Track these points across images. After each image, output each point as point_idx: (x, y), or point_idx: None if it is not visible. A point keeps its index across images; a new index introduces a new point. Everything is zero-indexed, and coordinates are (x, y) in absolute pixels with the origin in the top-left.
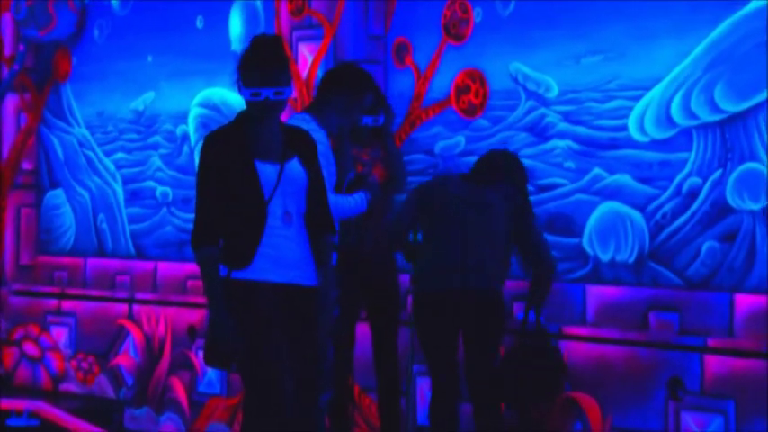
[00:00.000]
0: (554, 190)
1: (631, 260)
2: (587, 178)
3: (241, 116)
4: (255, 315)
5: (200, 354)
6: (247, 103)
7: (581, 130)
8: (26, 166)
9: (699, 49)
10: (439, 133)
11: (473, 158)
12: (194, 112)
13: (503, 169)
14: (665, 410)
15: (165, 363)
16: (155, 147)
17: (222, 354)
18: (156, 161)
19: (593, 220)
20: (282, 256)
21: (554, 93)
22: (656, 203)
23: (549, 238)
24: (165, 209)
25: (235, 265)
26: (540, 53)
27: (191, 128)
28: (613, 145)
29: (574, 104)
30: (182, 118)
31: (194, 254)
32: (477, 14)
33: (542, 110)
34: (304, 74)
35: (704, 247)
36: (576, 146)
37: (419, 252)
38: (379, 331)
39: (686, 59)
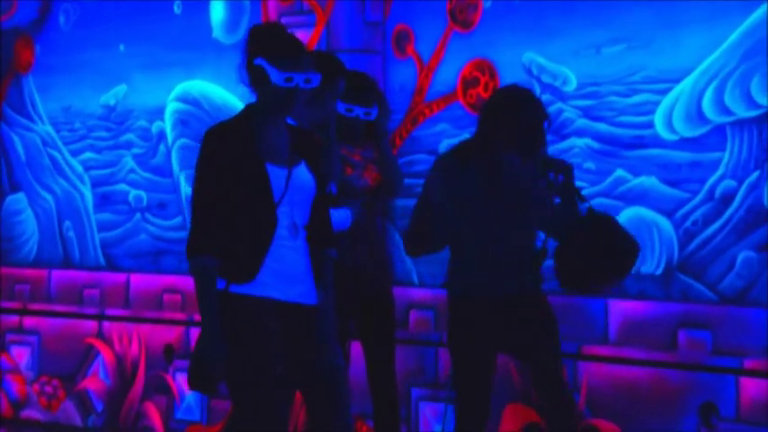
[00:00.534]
0: None
1: (658, 272)
2: (609, 180)
3: (248, 110)
4: (259, 335)
5: (178, 376)
6: (268, 91)
7: (602, 127)
8: None
9: (733, 36)
10: (444, 131)
11: None
12: (171, 108)
13: None
14: None
15: (138, 386)
16: (127, 146)
17: (210, 377)
18: (129, 162)
19: None
20: (288, 270)
21: (572, 86)
22: (685, 209)
23: None
24: (138, 215)
25: (236, 279)
26: (556, 42)
27: (167, 125)
28: (638, 144)
29: (594, 99)
30: (157, 113)
31: (189, 262)
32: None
33: (559, 104)
34: None
35: (739, 258)
36: (596, 145)
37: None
38: (374, 352)
39: (719, 48)
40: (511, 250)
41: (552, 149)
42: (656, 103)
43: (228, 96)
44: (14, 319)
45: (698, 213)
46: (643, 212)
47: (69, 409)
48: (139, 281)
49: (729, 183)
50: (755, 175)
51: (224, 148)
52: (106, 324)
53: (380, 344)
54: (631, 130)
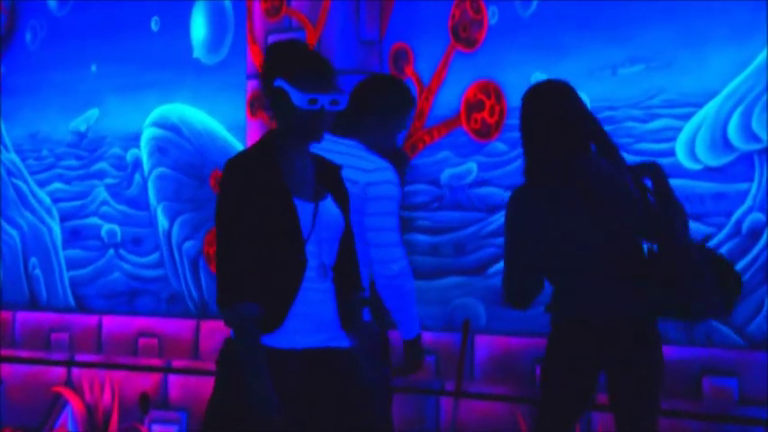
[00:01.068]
0: None
1: None
2: None
3: (270, 137)
4: (282, 394)
5: (154, 428)
6: (291, 115)
7: None
8: None
9: (761, 56)
10: (446, 159)
11: (488, 189)
12: (148, 134)
13: None
14: None
15: None
16: (99, 175)
17: None
18: (102, 193)
19: None
20: (316, 315)
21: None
22: (709, 245)
23: None
24: (111, 251)
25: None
26: (568, 62)
27: (143, 152)
28: None
29: (610, 124)
30: (133, 140)
31: (222, 314)
32: (491, 15)
33: None
34: None
35: None
36: None
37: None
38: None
39: (746, 69)
40: (606, 266)
41: None
42: (678, 129)
43: (210, 121)
44: None
45: (723, 250)
46: None
47: None
48: (112, 323)
49: (757, 216)
50: None
51: (246, 181)
52: (76, 371)
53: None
54: (651, 158)
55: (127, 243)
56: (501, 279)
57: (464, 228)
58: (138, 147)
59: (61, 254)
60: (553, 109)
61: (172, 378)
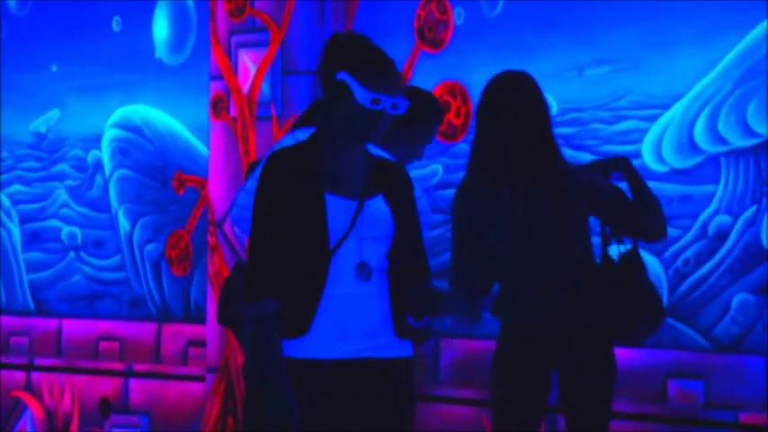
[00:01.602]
0: None
1: None
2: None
3: (317, 134)
4: (311, 411)
5: None
6: (348, 112)
7: (585, 156)
8: None
9: (728, 58)
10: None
11: (454, 191)
12: (110, 135)
13: None
14: None
15: None
16: (60, 177)
17: None
18: (62, 195)
19: None
20: (353, 321)
21: (552, 111)
22: (676, 247)
23: None
24: (72, 254)
25: (285, 333)
26: (534, 63)
27: (105, 154)
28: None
29: (576, 126)
30: (94, 142)
31: (246, 310)
32: (458, 16)
33: None
34: (245, 88)
35: (735, 301)
36: None
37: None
38: None
39: (713, 71)
40: (557, 268)
41: None
42: (644, 131)
43: (172, 123)
44: None
45: (689, 252)
46: None
47: None
48: (73, 327)
49: (724, 218)
50: (752, 210)
51: (281, 176)
52: (35, 375)
53: None
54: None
55: (88, 246)
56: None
57: (429, 230)
58: (99, 148)
59: (21, 257)
60: (523, 92)
61: (133, 382)
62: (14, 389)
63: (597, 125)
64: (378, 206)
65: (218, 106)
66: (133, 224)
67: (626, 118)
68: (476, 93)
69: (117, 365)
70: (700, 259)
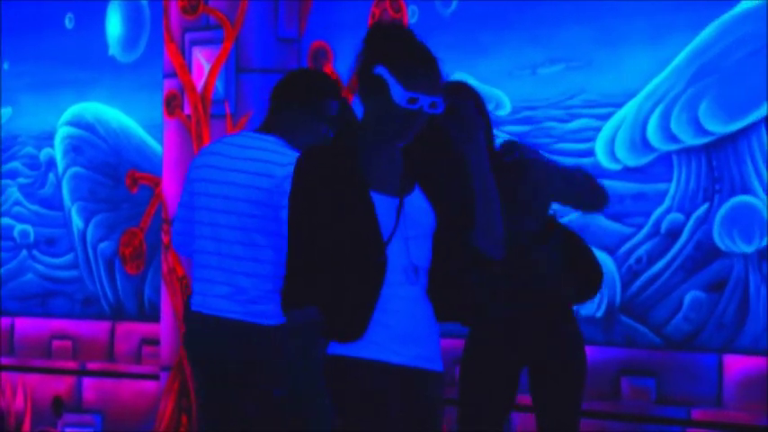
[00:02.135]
0: None
1: (599, 314)
2: None
3: (352, 130)
4: (368, 409)
5: (68, 431)
6: (384, 109)
7: None
8: None
9: (681, 57)
10: None
11: None
12: (62, 132)
13: None
14: None
15: None
16: (12, 175)
17: None
18: (14, 193)
19: None
20: (404, 325)
21: (506, 110)
22: (629, 245)
23: None
24: (24, 252)
25: (339, 337)
26: (488, 61)
27: (58, 152)
28: None
29: (529, 124)
30: (46, 139)
31: (285, 316)
32: (412, 14)
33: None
34: (199, 85)
35: (687, 299)
36: None
37: None
38: None
39: (665, 70)
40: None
41: None
42: (597, 129)
43: (126, 120)
44: None
45: (642, 250)
46: None
47: None
48: (25, 325)
49: (676, 216)
50: (704, 207)
51: (321, 174)
52: None
53: None
54: (570, 159)
55: (40, 244)
56: None
57: None
58: (52, 146)
59: None
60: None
61: (86, 381)
62: None
63: (550, 123)
64: (417, 202)
65: (172, 104)
66: (86, 222)
67: (579, 116)
68: None
69: (70, 364)
70: (652, 257)
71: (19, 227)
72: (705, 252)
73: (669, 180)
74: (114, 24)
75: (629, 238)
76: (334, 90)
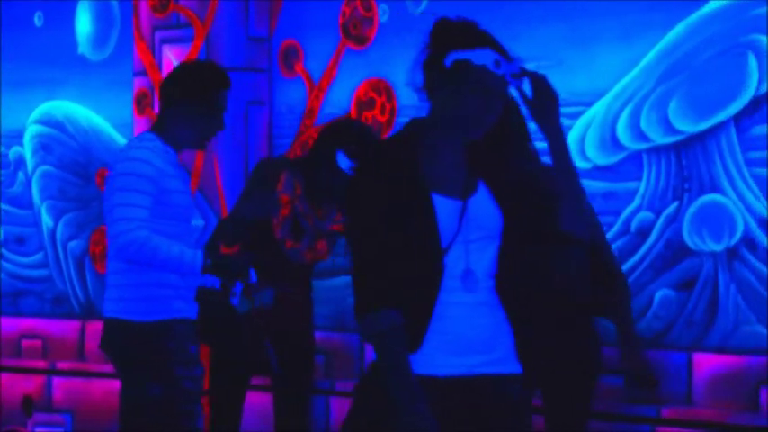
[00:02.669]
0: None
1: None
2: None
3: (417, 124)
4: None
5: (38, 431)
6: (460, 95)
7: None
8: None
9: (650, 56)
10: None
11: None
12: (32, 131)
13: None
14: None
15: None
16: None
17: None
18: None
19: None
20: (461, 334)
21: None
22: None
23: None
24: None
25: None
26: None
27: (27, 150)
28: None
29: None
30: (16, 138)
31: (360, 325)
32: (382, 13)
33: None
34: None
35: (657, 297)
36: None
37: None
38: (287, 403)
39: (635, 69)
40: None
41: None
42: (567, 128)
43: (96, 119)
44: None
45: (613, 248)
46: None
47: None
48: None
49: (646, 215)
50: (674, 206)
51: (379, 174)
52: None
53: (295, 393)
54: (541, 158)
55: (10, 242)
56: None
57: None
58: (21, 144)
59: None
60: None
61: (56, 380)
62: None
63: None
64: (482, 204)
65: (143, 102)
66: (56, 221)
67: None
68: (401, 89)
69: (40, 363)
70: (622, 255)
71: None
72: (675, 251)
73: (639, 179)
74: (84, 22)
75: None
76: (218, 81)
